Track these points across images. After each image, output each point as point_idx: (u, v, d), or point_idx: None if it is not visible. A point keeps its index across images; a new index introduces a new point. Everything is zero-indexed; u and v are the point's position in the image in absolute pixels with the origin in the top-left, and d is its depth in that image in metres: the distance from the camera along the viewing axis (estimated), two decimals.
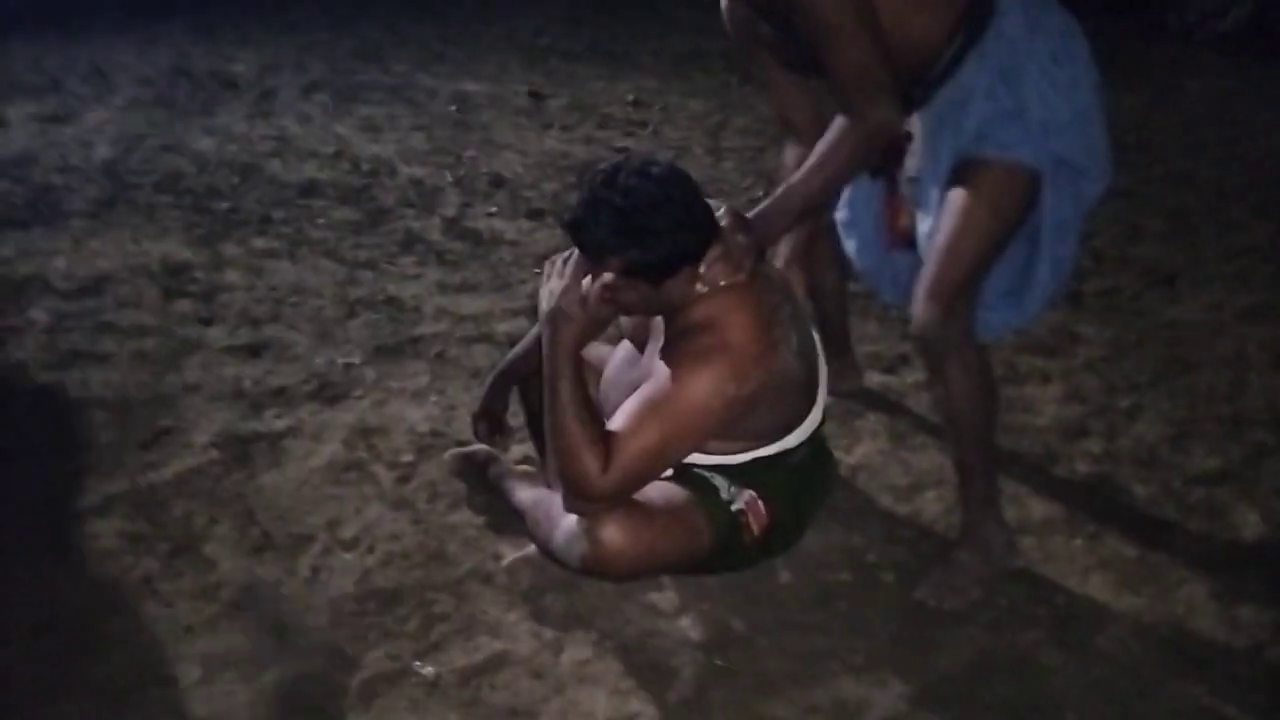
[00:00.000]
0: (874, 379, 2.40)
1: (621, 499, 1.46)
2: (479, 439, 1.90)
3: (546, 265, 1.46)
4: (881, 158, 1.71)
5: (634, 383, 1.58)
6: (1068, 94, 1.59)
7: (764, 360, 1.46)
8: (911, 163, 1.71)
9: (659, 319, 1.59)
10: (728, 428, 1.50)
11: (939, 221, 1.63)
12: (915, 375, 2.40)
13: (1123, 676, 1.56)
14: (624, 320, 1.72)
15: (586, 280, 1.43)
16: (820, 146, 1.59)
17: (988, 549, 1.71)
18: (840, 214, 1.98)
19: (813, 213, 1.71)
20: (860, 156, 1.60)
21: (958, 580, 1.69)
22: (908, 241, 1.79)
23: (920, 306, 1.62)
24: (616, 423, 1.46)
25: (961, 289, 1.61)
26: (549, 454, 1.47)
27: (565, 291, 1.43)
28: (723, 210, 1.51)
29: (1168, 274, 3.05)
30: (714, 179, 3.71)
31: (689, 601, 1.67)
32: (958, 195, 1.61)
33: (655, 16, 6.62)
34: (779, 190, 1.61)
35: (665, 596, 1.68)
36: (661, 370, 1.48)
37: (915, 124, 1.68)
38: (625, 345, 1.74)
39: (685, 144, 4.20)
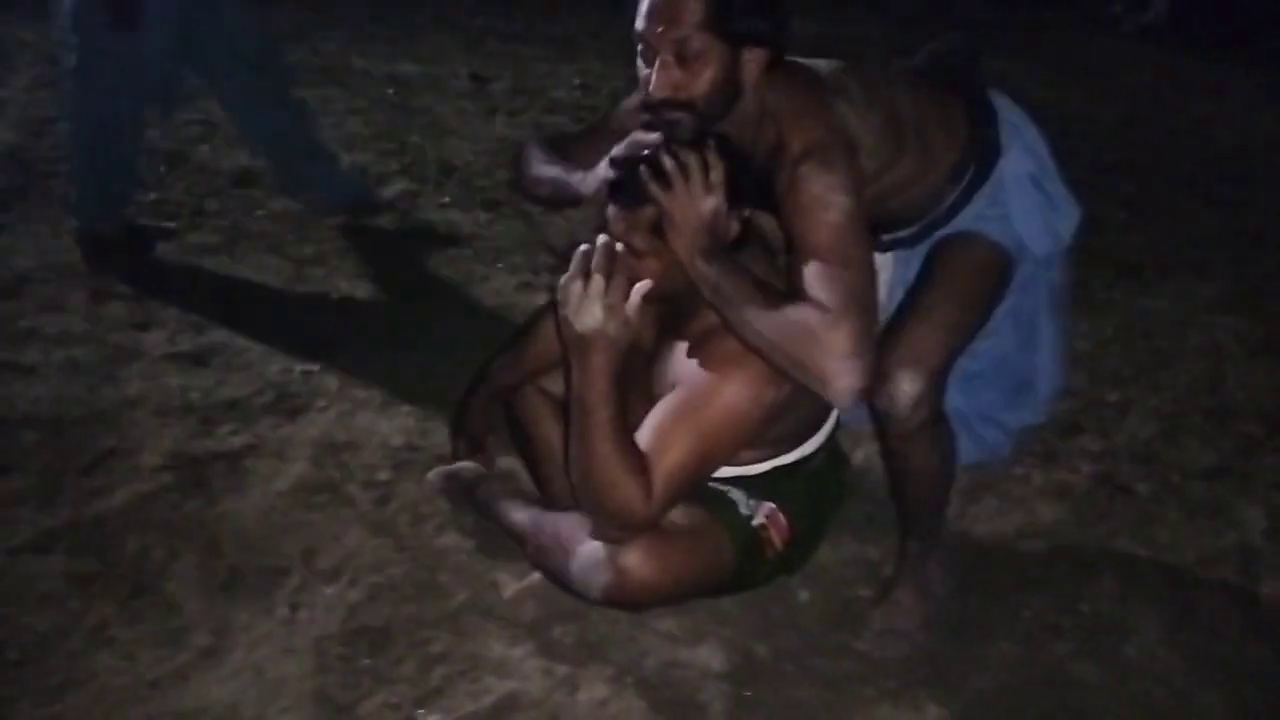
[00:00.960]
0: None
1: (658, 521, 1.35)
2: (458, 459, 1.77)
3: (575, 285, 1.28)
4: None
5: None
6: (1055, 231, 1.52)
7: None
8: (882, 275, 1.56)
9: (668, 325, 1.47)
10: (760, 434, 1.39)
11: (918, 293, 1.49)
12: None
13: (1158, 687, 1.52)
14: None
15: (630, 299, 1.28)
16: (786, 318, 1.25)
17: (929, 587, 1.59)
18: None
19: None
20: (793, 371, 1.27)
21: (902, 624, 1.56)
22: None
23: (903, 377, 1.40)
24: (646, 438, 1.34)
25: (947, 357, 1.45)
26: (578, 483, 1.34)
27: (611, 313, 1.27)
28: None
29: (1133, 265, 3.06)
30: None
31: (707, 627, 1.56)
32: (941, 266, 1.49)
33: None
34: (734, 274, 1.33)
35: (682, 623, 1.56)
36: (689, 377, 1.36)
37: (887, 262, 1.59)
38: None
39: None
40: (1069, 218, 1.54)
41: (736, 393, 1.33)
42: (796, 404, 1.40)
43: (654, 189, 1.29)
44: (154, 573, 1.59)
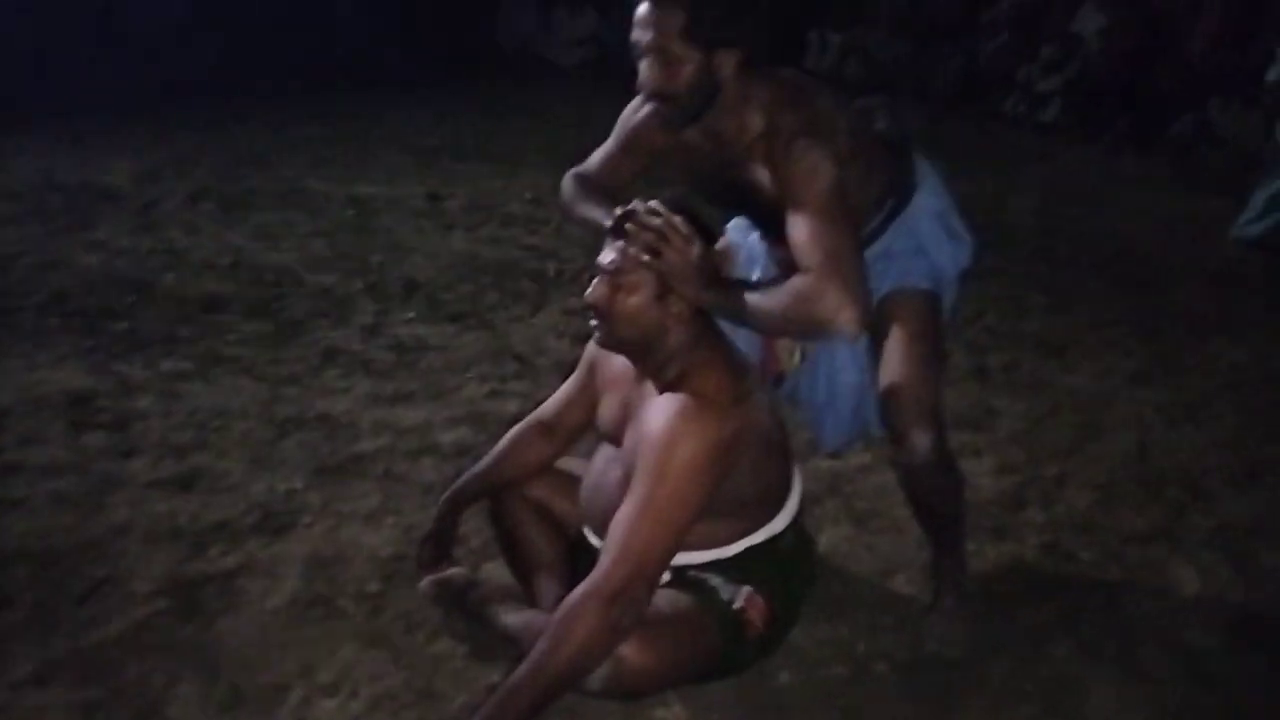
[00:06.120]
0: (821, 465, 2.47)
1: (656, 583, 1.48)
2: (421, 566, 1.83)
3: None
4: None
5: (618, 481, 1.57)
6: (956, 258, 1.83)
7: (738, 405, 1.50)
8: None
9: (634, 402, 1.59)
10: (721, 493, 1.50)
11: (890, 354, 1.73)
12: (860, 458, 2.48)
13: None
14: (602, 417, 1.72)
15: None
16: (784, 295, 1.51)
17: (965, 593, 1.88)
18: None
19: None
20: (809, 331, 1.64)
21: (953, 627, 1.84)
22: (776, 379, 1.92)
23: (916, 437, 1.68)
24: (620, 530, 1.45)
25: (938, 406, 1.73)
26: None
27: None
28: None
29: (1058, 345, 3.30)
30: None
31: (696, 713, 1.64)
32: (899, 332, 1.73)
33: (538, 116, 6.77)
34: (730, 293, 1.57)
35: (672, 712, 1.64)
36: (646, 445, 1.48)
37: None
38: (603, 449, 1.73)
39: (590, 241, 4.26)
40: (966, 247, 1.85)
41: (687, 440, 1.44)
42: (747, 452, 1.51)
43: (647, 260, 1.50)
44: (156, 697, 1.63)
